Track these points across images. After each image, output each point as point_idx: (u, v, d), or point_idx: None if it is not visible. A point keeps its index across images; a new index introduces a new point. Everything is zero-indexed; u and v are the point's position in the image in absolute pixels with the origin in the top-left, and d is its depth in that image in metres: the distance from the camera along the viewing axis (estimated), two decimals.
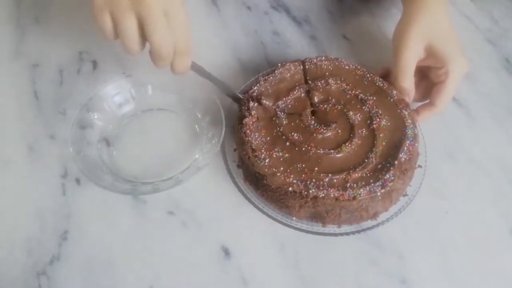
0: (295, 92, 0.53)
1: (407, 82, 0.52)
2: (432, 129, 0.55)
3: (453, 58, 0.51)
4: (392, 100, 0.52)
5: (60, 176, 0.52)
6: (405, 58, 0.52)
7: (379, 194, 0.45)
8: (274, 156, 0.47)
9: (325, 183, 0.45)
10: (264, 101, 0.52)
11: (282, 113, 0.51)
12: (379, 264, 0.47)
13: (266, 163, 0.46)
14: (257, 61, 0.64)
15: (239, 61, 0.64)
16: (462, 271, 0.47)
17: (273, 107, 0.52)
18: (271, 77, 0.55)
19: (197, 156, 0.53)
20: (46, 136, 0.55)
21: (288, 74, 0.55)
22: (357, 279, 0.47)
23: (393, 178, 0.45)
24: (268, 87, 0.54)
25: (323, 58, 0.56)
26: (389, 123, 0.50)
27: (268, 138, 0.49)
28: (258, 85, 0.54)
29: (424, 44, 0.52)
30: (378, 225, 0.47)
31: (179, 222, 0.49)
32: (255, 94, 0.53)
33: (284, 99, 0.53)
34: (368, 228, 0.47)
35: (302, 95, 0.54)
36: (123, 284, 0.46)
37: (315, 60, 0.56)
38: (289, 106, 0.53)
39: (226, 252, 0.48)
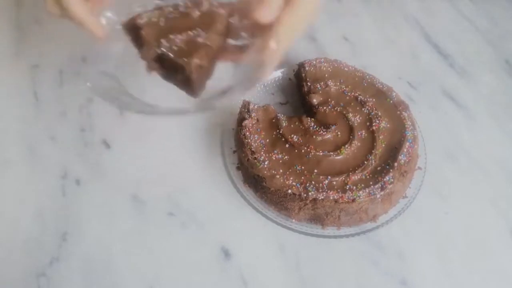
0: (190, 34, 0.41)
1: None
2: (432, 130, 0.55)
3: None
4: (391, 102, 0.52)
5: (60, 177, 0.52)
6: None
7: (378, 196, 0.45)
8: (274, 158, 0.47)
9: (325, 185, 0.45)
10: (143, 33, 0.41)
11: (282, 115, 0.51)
12: (379, 264, 0.48)
13: (266, 165, 0.47)
14: None
15: None
16: (462, 271, 0.48)
17: (152, 46, 0.41)
18: (170, 8, 0.43)
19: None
20: (46, 137, 0.55)
21: (197, 13, 0.43)
22: (357, 280, 0.47)
23: (392, 180, 0.46)
24: (162, 19, 0.43)
25: (323, 60, 0.56)
26: (388, 125, 0.50)
27: (268, 140, 0.49)
28: (149, 13, 0.43)
29: None
30: (377, 227, 0.47)
31: (179, 223, 0.49)
32: (141, 21, 0.42)
33: (172, 37, 0.41)
34: (368, 230, 0.47)
35: (199, 40, 0.41)
36: (123, 284, 0.46)
37: (314, 62, 0.56)
38: (174, 47, 0.41)
39: (226, 253, 0.48)
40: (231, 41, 0.45)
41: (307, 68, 0.55)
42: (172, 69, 0.41)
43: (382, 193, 0.45)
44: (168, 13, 0.43)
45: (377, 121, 0.50)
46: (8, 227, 0.49)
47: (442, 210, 0.51)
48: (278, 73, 0.59)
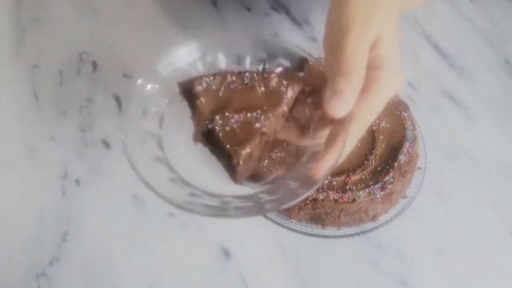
0: (248, 116, 0.36)
1: (356, 77, 0.33)
2: (431, 130, 0.55)
3: (394, 62, 0.36)
4: (391, 101, 0.52)
5: (60, 177, 0.52)
6: (353, 39, 0.33)
7: (378, 196, 0.45)
8: (274, 157, 0.47)
9: (324, 185, 0.45)
10: (198, 102, 0.37)
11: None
12: (380, 265, 0.48)
13: (265, 165, 0.46)
14: None
15: None
16: (462, 271, 0.48)
17: (204, 119, 0.36)
18: (233, 77, 0.38)
19: None
20: (46, 137, 0.55)
21: (263, 89, 0.38)
22: (357, 280, 0.47)
23: (392, 180, 0.46)
24: (222, 88, 0.38)
25: (323, 60, 0.56)
26: (388, 125, 0.50)
27: None
28: (210, 78, 0.38)
29: (379, 29, 0.34)
30: (377, 227, 0.47)
31: (179, 223, 0.49)
32: (199, 88, 0.37)
33: (228, 115, 0.36)
34: (368, 230, 0.47)
35: (257, 125, 0.36)
36: (123, 284, 0.46)
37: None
38: (227, 128, 0.36)
39: (226, 253, 0.48)
40: (292, 118, 0.40)
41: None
42: (219, 149, 0.36)
43: (382, 193, 0.45)
44: (230, 82, 0.38)
45: (377, 121, 0.50)
46: (8, 227, 0.49)
47: (442, 210, 0.51)
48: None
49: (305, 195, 0.33)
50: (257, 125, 0.36)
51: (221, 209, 0.35)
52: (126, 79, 0.58)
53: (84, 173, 0.52)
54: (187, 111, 0.39)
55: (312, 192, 0.36)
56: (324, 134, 0.36)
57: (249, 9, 0.70)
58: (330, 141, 0.34)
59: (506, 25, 0.70)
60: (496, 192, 0.53)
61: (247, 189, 0.38)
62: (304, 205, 0.45)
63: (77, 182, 0.52)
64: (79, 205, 0.50)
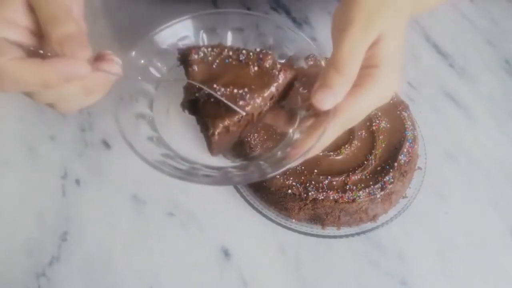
0: (234, 92, 0.37)
1: (348, 73, 0.34)
2: (431, 130, 0.55)
3: (391, 64, 0.36)
4: (391, 102, 0.52)
5: (60, 177, 0.52)
6: (351, 38, 0.34)
7: (378, 196, 0.45)
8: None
9: (325, 185, 0.45)
10: (191, 70, 0.38)
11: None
12: (379, 265, 0.48)
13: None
14: None
15: None
16: (462, 272, 0.48)
17: (192, 87, 0.38)
18: (230, 52, 0.39)
19: None
20: (46, 137, 0.55)
21: (256, 68, 0.39)
22: (357, 280, 0.47)
23: (392, 180, 0.46)
24: (217, 61, 0.39)
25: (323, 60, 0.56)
26: (388, 125, 0.50)
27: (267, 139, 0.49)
28: (208, 50, 0.39)
29: (380, 31, 0.35)
30: (377, 227, 0.47)
31: (179, 223, 0.49)
32: (195, 57, 0.39)
33: (215, 87, 0.37)
34: (368, 230, 0.47)
35: (241, 102, 0.37)
36: (123, 284, 0.46)
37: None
38: (211, 100, 0.37)
39: (226, 253, 0.48)
40: (284, 104, 0.41)
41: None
42: (202, 118, 0.38)
43: (382, 193, 0.45)
44: (226, 57, 0.39)
45: (377, 121, 0.50)
46: (8, 227, 0.49)
47: (442, 210, 0.51)
48: None
49: (271, 175, 0.35)
50: (241, 102, 0.36)
51: (189, 173, 0.37)
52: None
53: (84, 173, 0.52)
54: (184, 78, 0.40)
55: (278, 175, 0.39)
56: (308, 124, 0.37)
57: (249, 9, 0.70)
58: (310, 131, 0.36)
59: (506, 25, 0.70)
60: (496, 192, 0.53)
61: (222, 161, 0.41)
62: (304, 205, 0.46)
63: (77, 182, 0.52)
64: (79, 205, 0.50)
